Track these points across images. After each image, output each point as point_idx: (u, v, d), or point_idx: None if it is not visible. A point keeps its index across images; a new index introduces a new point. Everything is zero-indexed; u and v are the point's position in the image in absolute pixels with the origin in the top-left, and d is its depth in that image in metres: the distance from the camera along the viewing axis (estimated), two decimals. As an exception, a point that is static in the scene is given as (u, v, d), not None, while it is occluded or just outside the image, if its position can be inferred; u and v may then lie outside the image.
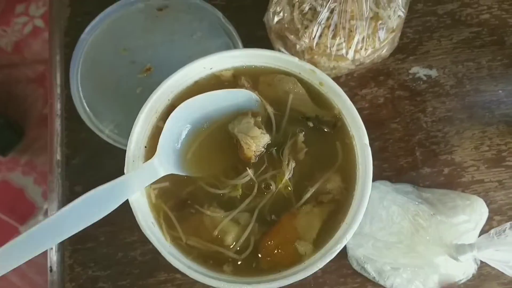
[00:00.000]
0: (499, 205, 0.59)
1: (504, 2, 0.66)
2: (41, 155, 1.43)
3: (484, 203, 0.56)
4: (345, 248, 0.55)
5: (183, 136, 0.47)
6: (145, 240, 0.58)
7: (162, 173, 0.44)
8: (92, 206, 0.41)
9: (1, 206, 1.36)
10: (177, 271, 0.56)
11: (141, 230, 0.58)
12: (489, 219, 0.59)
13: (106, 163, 0.61)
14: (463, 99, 0.63)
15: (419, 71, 0.64)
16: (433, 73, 0.64)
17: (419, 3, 0.66)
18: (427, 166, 0.60)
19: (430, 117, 0.62)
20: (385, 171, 0.60)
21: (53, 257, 0.58)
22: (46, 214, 1.35)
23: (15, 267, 0.39)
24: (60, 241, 0.41)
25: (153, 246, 0.58)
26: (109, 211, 0.41)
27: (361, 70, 0.63)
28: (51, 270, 0.57)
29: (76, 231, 0.41)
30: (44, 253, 0.43)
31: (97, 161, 0.61)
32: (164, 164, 0.45)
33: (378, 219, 0.53)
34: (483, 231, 0.53)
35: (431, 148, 0.61)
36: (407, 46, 0.65)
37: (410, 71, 0.64)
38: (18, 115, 1.43)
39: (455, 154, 0.61)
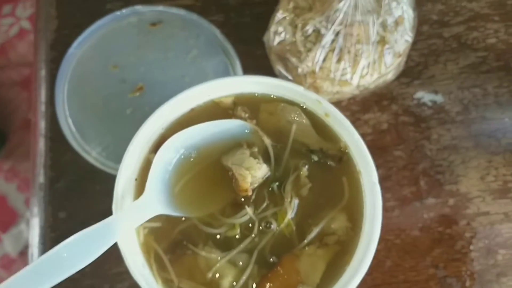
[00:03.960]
0: (504, 238, 0.57)
1: (511, 26, 0.64)
2: (24, 161, 1.37)
3: None
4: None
5: (174, 172, 0.44)
6: (133, 272, 0.56)
7: (152, 214, 0.41)
8: (77, 252, 0.37)
9: (-17, 215, 1.31)
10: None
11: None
12: (494, 252, 0.57)
13: (92, 187, 0.58)
14: (469, 127, 0.60)
15: (424, 96, 0.62)
16: (439, 98, 0.62)
17: (424, 25, 0.64)
18: (432, 197, 0.58)
19: (435, 145, 0.60)
20: (388, 201, 0.58)
21: (34, 290, 0.53)
22: (28, 223, 1.30)
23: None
24: None
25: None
26: (96, 256, 0.38)
27: (365, 94, 0.61)
28: (31, 305, 0.53)
29: (59, 281, 0.37)
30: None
31: (83, 185, 0.58)
32: (154, 203, 0.41)
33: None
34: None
35: (436, 178, 0.59)
36: (412, 70, 0.62)
37: (415, 96, 0.62)
38: (1, 119, 1.37)
39: (460, 184, 0.58)
